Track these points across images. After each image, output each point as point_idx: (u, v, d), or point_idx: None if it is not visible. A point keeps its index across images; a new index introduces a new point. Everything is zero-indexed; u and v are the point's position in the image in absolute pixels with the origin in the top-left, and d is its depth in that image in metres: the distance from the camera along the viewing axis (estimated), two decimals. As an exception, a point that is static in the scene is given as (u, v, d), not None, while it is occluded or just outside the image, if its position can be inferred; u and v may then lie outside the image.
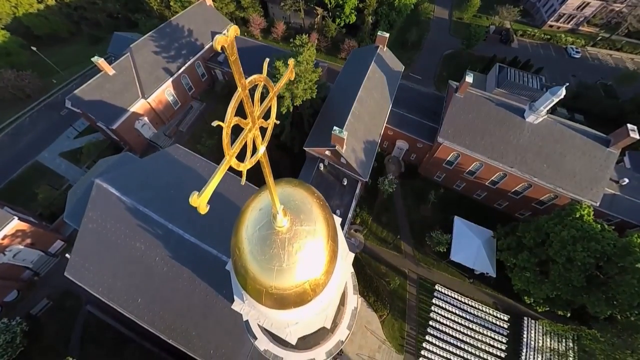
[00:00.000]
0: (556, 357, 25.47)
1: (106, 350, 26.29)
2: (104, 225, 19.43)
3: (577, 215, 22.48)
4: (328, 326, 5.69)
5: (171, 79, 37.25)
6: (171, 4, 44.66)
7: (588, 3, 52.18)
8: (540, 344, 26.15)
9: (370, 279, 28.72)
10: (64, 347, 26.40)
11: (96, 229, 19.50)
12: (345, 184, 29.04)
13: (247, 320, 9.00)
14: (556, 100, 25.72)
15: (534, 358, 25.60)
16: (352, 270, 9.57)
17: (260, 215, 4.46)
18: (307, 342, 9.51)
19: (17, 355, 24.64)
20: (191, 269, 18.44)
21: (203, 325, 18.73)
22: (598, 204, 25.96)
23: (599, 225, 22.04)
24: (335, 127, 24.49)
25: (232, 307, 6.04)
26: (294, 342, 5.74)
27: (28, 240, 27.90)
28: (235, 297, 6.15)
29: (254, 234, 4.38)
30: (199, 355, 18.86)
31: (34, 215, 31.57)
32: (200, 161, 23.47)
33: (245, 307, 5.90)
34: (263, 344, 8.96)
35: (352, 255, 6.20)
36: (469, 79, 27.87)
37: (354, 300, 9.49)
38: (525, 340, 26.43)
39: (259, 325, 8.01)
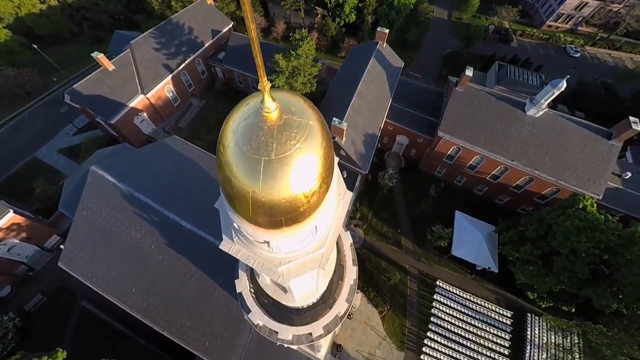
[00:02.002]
0: (561, 353, 24.81)
1: (100, 347, 25.65)
2: (99, 213, 19.08)
3: (580, 206, 22.11)
4: (324, 269, 5.33)
5: (171, 76, 37.28)
6: (172, 3, 44.82)
7: (586, 3, 52.54)
8: (544, 341, 25.51)
9: (370, 274, 28.24)
10: (57, 343, 25.75)
11: (91, 216, 19.15)
12: (344, 176, 28.75)
13: (240, 293, 8.63)
14: (557, 92, 25.59)
15: (538, 355, 24.95)
16: (352, 241, 9.23)
17: (247, 108, 4.10)
18: (304, 318, 9.14)
19: (9, 351, 24.09)
20: (187, 257, 18.04)
21: (198, 316, 18.26)
22: (601, 197, 25.61)
23: (602, 216, 21.67)
24: (334, 118, 24.30)
25: (220, 247, 5.63)
26: (286, 285, 5.34)
27: (23, 235, 27.51)
28: (223, 236, 5.79)
29: (240, 124, 3.99)
30: (194, 348, 18.34)
31: (31, 210, 31.24)
32: (197, 152, 23.24)
33: (233, 245, 5.52)
34: (257, 317, 8.56)
35: (350, 194, 5.86)
36: (469, 72, 27.76)
37: (353, 272, 9.12)
38: (529, 336, 25.79)
39: (251, 293, 7.65)
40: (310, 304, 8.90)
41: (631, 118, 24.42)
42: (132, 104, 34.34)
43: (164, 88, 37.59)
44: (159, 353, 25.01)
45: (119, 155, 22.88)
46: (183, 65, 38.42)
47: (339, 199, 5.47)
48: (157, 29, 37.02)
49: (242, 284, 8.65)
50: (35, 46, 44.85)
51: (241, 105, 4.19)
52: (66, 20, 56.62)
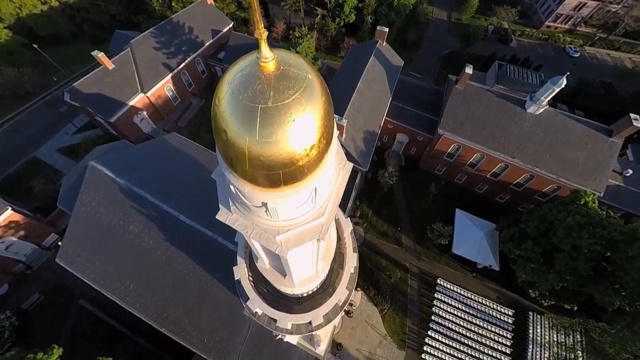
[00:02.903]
0: (564, 351, 24.56)
1: (98, 346, 25.37)
2: (98, 208, 18.94)
3: (582, 202, 21.98)
4: (323, 238, 5.18)
5: (170, 75, 37.31)
6: (173, 4, 45.08)
7: (585, 4, 52.79)
8: (546, 339, 25.27)
9: (370, 272, 28.03)
10: (54, 342, 25.37)
11: (89, 212, 19.01)
12: (344, 174, 28.64)
13: (239, 280, 8.48)
14: (557, 90, 25.54)
15: (540, 353, 24.70)
16: (352, 228, 9.10)
17: (244, 61, 3.98)
18: (304, 307, 8.98)
19: (5, 350, 23.83)
20: (186, 252, 17.87)
21: (197, 312, 18.05)
22: (602, 194, 25.52)
23: (604, 212, 21.53)
24: (334, 115, 24.22)
25: (217, 217, 5.49)
26: (285, 254, 5.18)
27: (21, 232, 27.35)
28: (220, 206, 5.66)
29: (236, 76, 3.86)
30: (192, 345, 18.11)
31: (30, 208, 31.08)
32: (197, 148, 23.13)
33: (230, 215, 5.38)
34: (256, 304, 8.40)
35: (351, 165, 5.74)
36: (469, 70, 27.76)
37: (353, 259, 8.97)
38: (531, 335, 25.55)
39: (250, 281, 7.51)
40: (310, 292, 8.77)
41: (632, 115, 24.40)
42: (132, 102, 34.35)
43: (164, 87, 37.63)
44: (157, 352, 24.76)
45: (118, 151, 22.79)
46: (183, 64, 38.47)
47: (339, 168, 5.36)
48: (157, 29, 37.11)
49: (241, 271, 8.48)
50: (35, 46, 44.97)
51: (238, 61, 4.10)
52: (67, 20, 56.82)
